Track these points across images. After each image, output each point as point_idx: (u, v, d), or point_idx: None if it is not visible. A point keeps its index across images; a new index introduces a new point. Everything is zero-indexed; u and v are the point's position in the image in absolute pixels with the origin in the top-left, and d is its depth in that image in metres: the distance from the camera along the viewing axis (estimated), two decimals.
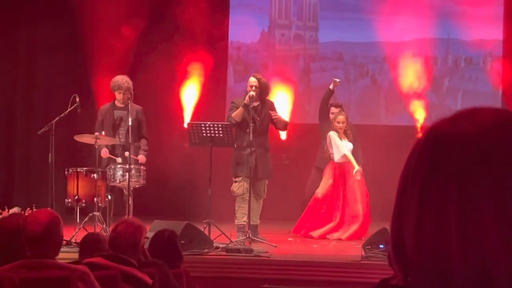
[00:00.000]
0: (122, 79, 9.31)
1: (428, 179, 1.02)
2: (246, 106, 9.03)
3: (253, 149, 8.98)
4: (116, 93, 9.34)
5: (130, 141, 8.90)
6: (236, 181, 9.21)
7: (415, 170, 1.04)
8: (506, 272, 0.97)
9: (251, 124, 8.85)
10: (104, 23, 11.46)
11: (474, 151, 1.01)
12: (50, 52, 12.22)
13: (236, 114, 9.10)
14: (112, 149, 9.32)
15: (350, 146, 9.70)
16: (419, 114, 12.04)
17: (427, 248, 1.01)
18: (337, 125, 9.68)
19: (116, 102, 9.41)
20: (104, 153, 9.16)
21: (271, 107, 9.38)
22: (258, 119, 9.02)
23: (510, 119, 1.04)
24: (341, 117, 9.73)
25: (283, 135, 11.58)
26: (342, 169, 9.72)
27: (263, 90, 9.19)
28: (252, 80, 9.21)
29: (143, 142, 9.40)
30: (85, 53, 11.89)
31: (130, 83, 9.33)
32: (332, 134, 9.67)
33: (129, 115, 8.95)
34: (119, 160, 9.04)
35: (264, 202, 9.48)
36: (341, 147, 9.62)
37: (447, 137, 1.03)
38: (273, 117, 9.16)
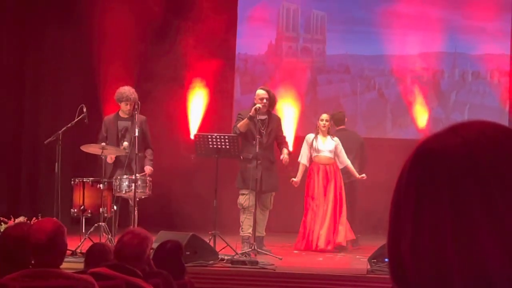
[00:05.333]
0: (129, 91, 9.31)
1: (420, 194, 1.03)
2: (251, 118, 9.04)
3: (259, 161, 8.98)
4: (122, 104, 9.33)
5: (136, 151, 8.90)
6: (243, 194, 9.20)
7: (407, 186, 1.06)
8: (506, 278, 0.97)
9: (258, 136, 8.85)
10: (112, 33, 11.49)
11: (460, 163, 1.02)
12: (57, 62, 12.25)
13: (242, 124, 9.12)
14: (118, 160, 9.31)
15: (330, 146, 9.81)
16: (426, 127, 12.03)
17: (425, 263, 1.01)
18: (320, 123, 9.82)
19: (120, 113, 9.40)
20: (110, 159, 9.15)
21: (278, 124, 9.38)
22: (264, 133, 8.99)
23: (494, 130, 1.05)
24: (324, 115, 9.90)
25: (289, 147, 11.58)
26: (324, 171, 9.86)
27: (271, 103, 9.23)
28: (262, 93, 9.23)
29: (149, 152, 9.37)
30: (93, 63, 11.92)
31: (136, 95, 9.35)
32: (308, 136, 9.90)
33: (135, 125, 8.95)
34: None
35: (269, 214, 9.46)
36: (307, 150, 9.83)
37: (434, 152, 1.04)
38: (283, 160, 9.17)
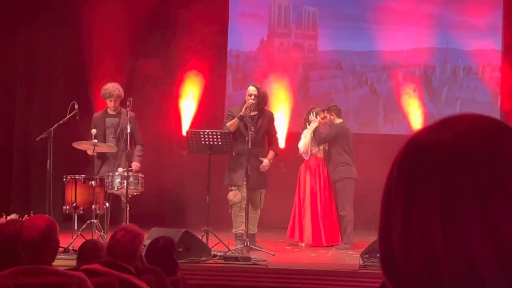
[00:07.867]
0: (112, 87, 9.34)
1: (411, 188, 1.03)
2: (241, 118, 9.02)
3: (247, 158, 8.94)
4: (107, 101, 9.39)
5: (129, 148, 8.89)
6: (232, 190, 9.21)
7: (397, 180, 1.05)
8: (494, 273, 0.98)
9: (250, 132, 8.83)
10: (103, 29, 11.47)
11: (451, 157, 1.02)
12: (48, 58, 12.22)
13: (231, 124, 9.10)
14: (105, 157, 9.31)
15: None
16: (417, 123, 12.06)
17: (414, 256, 1.01)
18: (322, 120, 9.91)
19: (108, 110, 9.44)
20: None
21: (269, 119, 9.31)
22: (253, 129, 8.90)
23: (485, 124, 1.05)
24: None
25: (281, 143, 11.58)
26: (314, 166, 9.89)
27: (261, 100, 9.16)
28: (252, 89, 9.21)
29: (138, 148, 9.33)
30: (84, 60, 11.90)
31: (121, 91, 9.36)
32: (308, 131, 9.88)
33: (126, 122, 8.96)
34: (120, 170, 9.02)
35: (262, 210, 9.46)
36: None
37: (425, 145, 1.04)
38: (261, 168, 9.12)
